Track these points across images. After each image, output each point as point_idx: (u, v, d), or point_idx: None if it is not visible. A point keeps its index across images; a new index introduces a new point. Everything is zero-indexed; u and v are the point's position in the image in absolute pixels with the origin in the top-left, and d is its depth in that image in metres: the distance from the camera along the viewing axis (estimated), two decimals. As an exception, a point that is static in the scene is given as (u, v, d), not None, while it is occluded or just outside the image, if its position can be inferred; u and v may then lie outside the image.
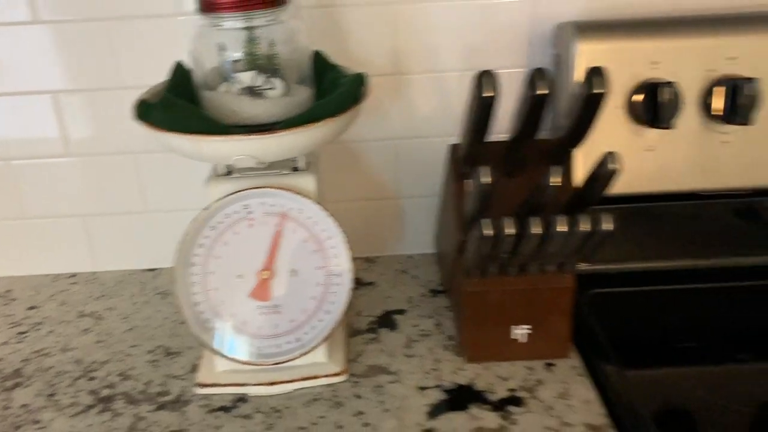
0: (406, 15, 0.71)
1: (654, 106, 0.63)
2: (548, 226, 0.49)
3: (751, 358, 0.61)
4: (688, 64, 0.63)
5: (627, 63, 0.64)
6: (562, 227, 0.49)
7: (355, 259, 0.81)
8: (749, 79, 0.62)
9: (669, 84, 0.62)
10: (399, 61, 0.74)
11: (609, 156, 0.48)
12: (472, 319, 0.61)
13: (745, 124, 0.63)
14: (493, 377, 0.61)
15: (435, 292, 0.74)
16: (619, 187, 0.67)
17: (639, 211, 0.70)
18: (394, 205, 0.81)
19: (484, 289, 0.60)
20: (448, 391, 0.59)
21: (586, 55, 0.64)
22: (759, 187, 0.67)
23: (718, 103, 0.63)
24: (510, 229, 0.49)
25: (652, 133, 0.65)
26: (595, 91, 0.48)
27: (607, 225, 0.49)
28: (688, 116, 0.64)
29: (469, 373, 0.61)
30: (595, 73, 0.48)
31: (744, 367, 0.61)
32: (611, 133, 0.66)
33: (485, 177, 0.47)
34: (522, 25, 0.71)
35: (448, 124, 0.75)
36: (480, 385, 0.60)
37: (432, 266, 0.80)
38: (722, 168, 0.66)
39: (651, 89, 0.63)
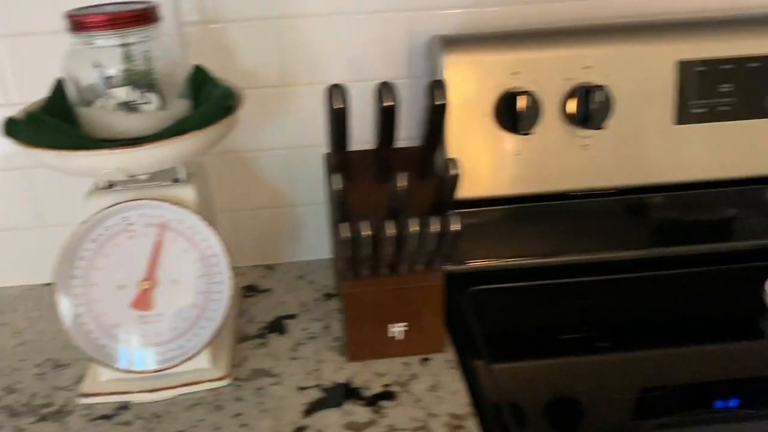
0: (291, 29, 0.74)
1: (514, 114, 0.67)
2: (402, 228, 0.53)
3: (619, 347, 0.66)
4: (547, 73, 0.68)
5: (490, 73, 0.68)
6: (414, 228, 0.52)
7: (254, 267, 0.85)
8: (600, 87, 0.67)
9: (526, 92, 0.66)
10: (286, 74, 0.77)
11: (450, 162, 0.51)
12: (351, 319, 0.64)
13: (598, 128, 0.67)
14: (371, 374, 0.64)
15: (329, 296, 0.77)
16: (490, 189, 0.71)
17: (516, 212, 0.74)
18: (291, 213, 0.83)
19: (360, 290, 0.63)
20: (326, 390, 0.62)
21: (452, 66, 0.67)
22: (620, 186, 0.72)
23: (574, 109, 0.68)
24: (366, 232, 0.52)
25: (518, 139, 0.69)
26: (437, 102, 0.52)
27: (455, 226, 0.53)
28: (550, 122, 0.69)
29: (348, 372, 0.64)
30: (436, 86, 0.52)
31: (611, 356, 0.65)
32: (481, 139, 0.69)
33: (337, 184, 0.49)
34: (401, 38, 0.75)
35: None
36: (357, 382, 0.63)
37: (328, 271, 0.82)
38: (584, 169, 0.71)
39: (511, 98, 0.67)
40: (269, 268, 0.84)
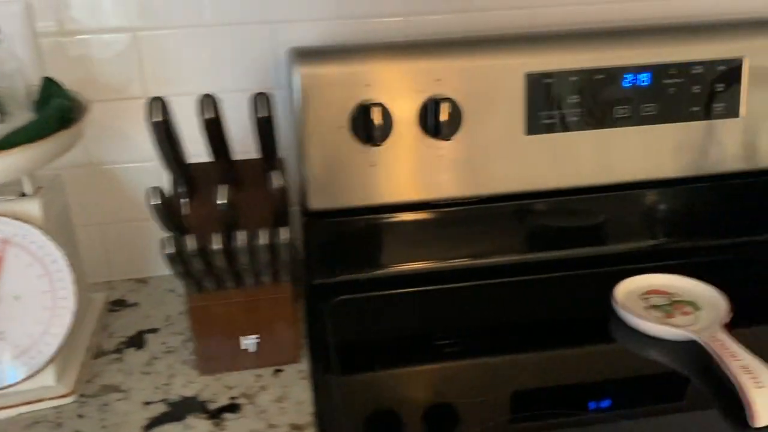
0: (153, 41, 0.74)
1: (368, 126, 0.68)
2: (230, 240, 0.53)
3: (477, 352, 0.67)
4: (399, 85, 0.69)
5: (344, 85, 0.69)
6: (242, 241, 0.52)
7: (126, 281, 0.84)
8: (449, 99, 0.68)
9: (379, 104, 0.67)
10: (149, 86, 0.76)
11: (274, 174, 0.52)
12: (199, 332, 0.64)
13: (447, 139, 0.69)
14: (221, 387, 0.63)
15: (197, 309, 0.77)
16: (348, 200, 0.72)
17: (380, 222, 0.75)
18: (163, 226, 0.82)
19: (207, 303, 0.62)
20: (171, 404, 0.61)
21: (305, 78, 0.68)
22: (474, 196, 0.74)
23: (427, 120, 0.69)
24: (192, 246, 0.52)
25: (373, 150, 0.70)
26: (259, 115, 0.52)
27: (284, 238, 0.53)
28: (404, 133, 0.70)
29: (198, 386, 0.64)
30: (259, 99, 0.52)
31: (475, 361, 0.66)
32: (338, 151, 0.70)
33: (155, 199, 0.49)
34: (264, 50, 0.75)
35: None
36: (205, 395, 0.62)
37: (201, 283, 0.82)
38: (440, 179, 0.72)
39: (364, 110, 0.68)
40: (141, 281, 0.83)
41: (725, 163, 0.77)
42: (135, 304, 0.78)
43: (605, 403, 0.59)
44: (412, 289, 0.76)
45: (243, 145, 0.68)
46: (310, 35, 0.76)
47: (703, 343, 0.61)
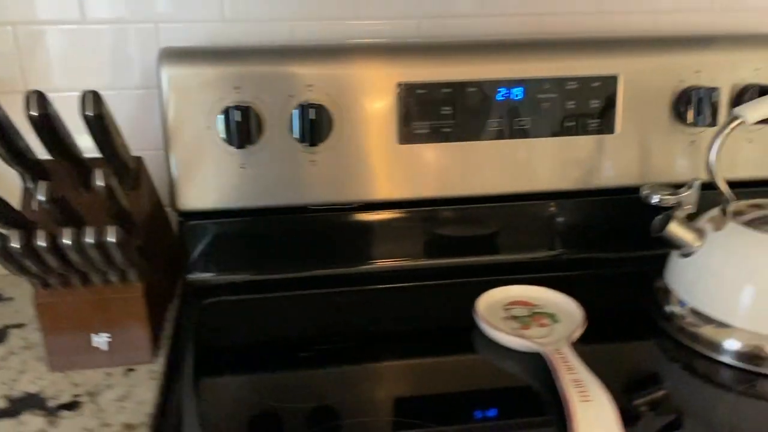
0: (26, 34, 0.74)
1: (236, 128, 0.68)
2: (55, 238, 0.53)
3: (341, 359, 0.67)
4: (270, 89, 0.69)
5: (213, 87, 0.69)
6: (66, 240, 0.52)
7: (5, 276, 0.83)
8: (319, 105, 0.69)
9: (246, 107, 0.68)
10: (28, 80, 0.76)
11: (97, 173, 0.52)
12: (49, 328, 0.63)
13: (315, 144, 0.69)
14: (68, 384, 0.63)
15: (72, 306, 0.76)
16: (219, 202, 0.72)
17: (258, 226, 0.76)
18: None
19: (54, 300, 0.62)
20: (12, 400, 0.61)
21: (172, 79, 0.68)
22: (350, 202, 0.75)
23: (297, 126, 0.70)
24: (15, 244, 0.52)
25: (243, 153, 0.70)
26: (86, 113, 0.52)
27: (111, 237, 0.53)
28: (274, 137, 0.71)
29: (45, 382, 0.63)
30: (86, 98, 0.52)
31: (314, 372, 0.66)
32: (207, 152, 0.70)
33: (-25, 193, 0.49)
34: (149, 49, 0.76)
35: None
36: (48, 392, 0.62)
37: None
38: (312, 184, 0.73)
39: (232, 112, 0.68)
40: (23, 276, 0.83)
41: (600, 179, 0.78)
42: (10, 299, 0.78)
43: (442, 412, 0.60)
44: (282, 294, 0.76)
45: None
46: (196, 36, 0.76)
47: (545, 356, 0.62)
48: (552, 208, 0.80)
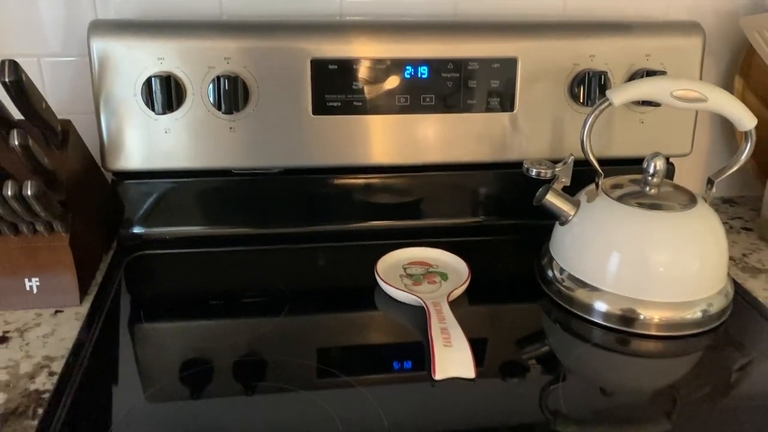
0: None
1: (162, 95, 0.75)
2: (-21, 190, 0.60)
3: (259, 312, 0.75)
4: (190, 60, 0.76)
5: (137, 58, 0.75)
6: (-11, 191, 0.60)
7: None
8: (236, 76, 0.75)
9: (162, 77, 0.74)
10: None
11: (11, 135, 0.59)
12: (-16, 272, 0.71)
13: (231, 113, 0.76)
14: (0, 322, 0.71)
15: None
16: (147, 163, 0.79)
17: (184, 186, 0.83)
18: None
19: (-12, 247, 0.70)
20: (-53, 335, 0.69)
21: (99, 50, 0.75)
22: (266, 168, 0.82)
23: (215, 95, 0.76)
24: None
25: (167, 119, 0.77)
26: (4, 79, 0.59)
27: (28, 191, 0.60)
28: (195, 105, 0.77)
29: (-19, 319, 0.71)
30: (4, 65, 0.59)
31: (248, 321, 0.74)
32: (132, 117, 0.77)
33: None
34: (79, 21, 0.81)
35: None
36: (-18, 328, 0.70)
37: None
38: (231, 150, 0.80)
39: (155, 81, 0.75)
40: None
41: (500, 153, 0.85)
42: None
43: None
44: (206, 249, 0.84)
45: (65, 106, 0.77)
46: (131, 9, 0.82)
47: (426, 308, 0.70)
48: (455, 179, 0.87)
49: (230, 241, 0.85)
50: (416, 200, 0.88)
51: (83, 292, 0.75)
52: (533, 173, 0.74)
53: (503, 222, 0.91)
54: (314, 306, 0.75)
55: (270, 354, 0.66)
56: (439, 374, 0.62)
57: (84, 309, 0.73)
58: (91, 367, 0.63)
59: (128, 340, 0.69)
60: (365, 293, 0.76)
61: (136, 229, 0.83)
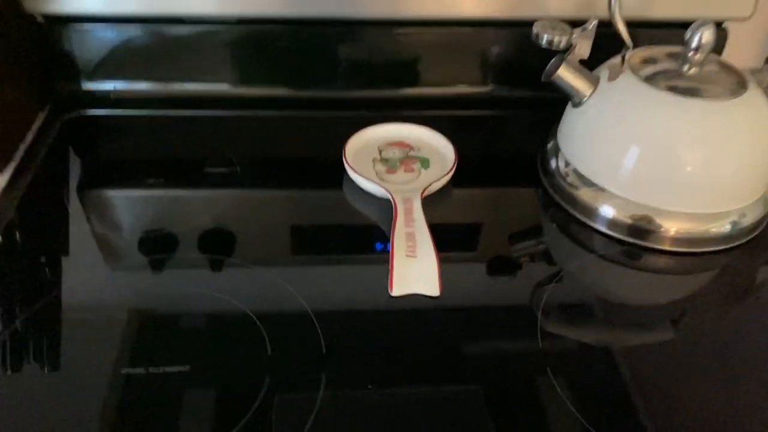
0: None
1: None
2: None
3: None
4: None
5: None
6: None
7: None
8: None
9: None
10: None
11: None
12: None
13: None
14: None
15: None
16: (104, 7, 0.66)
17: (124, 33, 0.69)
18: None
19: None
20: None
21: None
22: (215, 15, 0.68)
23: None
24: None
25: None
26: None
27: None
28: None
29: None
30: None
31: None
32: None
33: None
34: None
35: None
36: None
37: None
38: None
39: None
40: None
41: (514, 8, 0.69)
42: None
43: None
44: (145, 112, 0.72)
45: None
46: None
47: (393, 204, 0.58)
48: (457, 39, 0.72)
49: (183, 103, 0.72)
50: (409, 63, 0.73)
51: (8, 157, 0.65)
52: (544, 41, 0.58)
53: (513, 93, 0.76)
54: (272, 182, 0.65)
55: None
56: (397, 290, 0.52)
57: (7, 174, 0.64)
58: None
59: (52, 206, 0.60)
60: (335, 174, 0.64)
61: (72, 84, 0.71)
